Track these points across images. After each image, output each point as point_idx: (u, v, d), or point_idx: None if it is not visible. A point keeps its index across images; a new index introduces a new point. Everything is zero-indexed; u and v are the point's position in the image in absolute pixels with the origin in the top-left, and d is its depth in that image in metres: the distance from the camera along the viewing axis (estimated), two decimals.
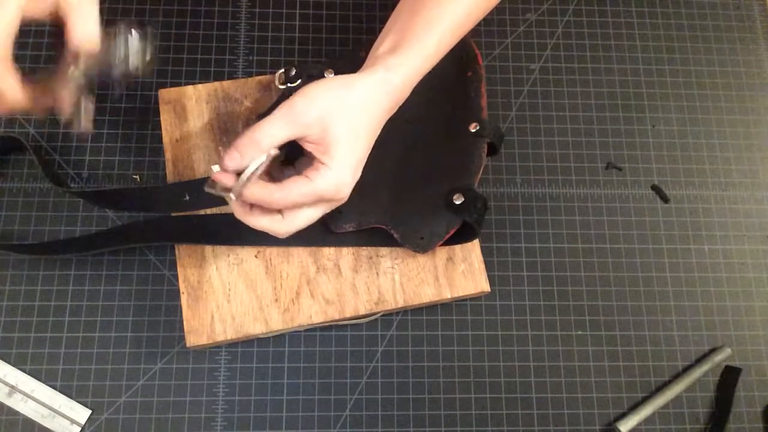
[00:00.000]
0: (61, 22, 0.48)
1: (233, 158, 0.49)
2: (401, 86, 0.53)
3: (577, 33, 0.75)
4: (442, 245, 0.60)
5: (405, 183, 0.62)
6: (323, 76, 0.60)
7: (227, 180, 0.49)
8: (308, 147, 0.51)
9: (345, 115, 0.50)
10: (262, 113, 0.62)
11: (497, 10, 0.75)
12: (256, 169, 0.49)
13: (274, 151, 0.50)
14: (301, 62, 0.71)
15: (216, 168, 0.50)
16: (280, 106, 0.50)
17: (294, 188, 0.50)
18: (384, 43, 0.55)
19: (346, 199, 0.53)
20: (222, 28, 0.72)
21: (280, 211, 0.52)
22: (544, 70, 0.73)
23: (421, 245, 0.60)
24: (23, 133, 0.66)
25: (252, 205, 0.52)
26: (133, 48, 0.50)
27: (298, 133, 0.50)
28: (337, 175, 0.50)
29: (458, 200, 0.59)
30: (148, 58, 0.51)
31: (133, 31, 0.50)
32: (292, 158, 0.54)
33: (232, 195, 0.49)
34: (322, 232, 0.62)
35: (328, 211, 0.54)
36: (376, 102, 0.52)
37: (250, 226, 0.53)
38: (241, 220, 0.52)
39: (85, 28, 0.47)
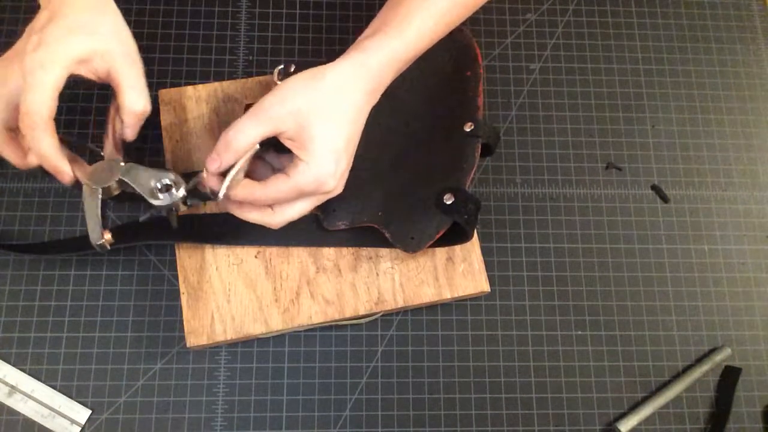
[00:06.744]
0: (107, 84, 0.53)
1: (213, 161, 0.50)
2: (377, 67, 0.52)
3: (577, 33, 0.75)
4: (433, 246, 0.59)
5: (398, 182, 0.62)
6: None
7: (212, 182, 0.51)
8: (287, 144, 0.51)
9: (319, 107, 0.50)
10: (248, 103, 0.61)
11: (497, 10, 0.75)
12: (237, 171, 0.50)
13: (254, 148, 0.51)
14: (301, 62, 0.71)
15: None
16: (252, 105, 0.51)
17: (274, 186, 0.51)
18: (365, 32, 0.55)
19: (335, 188, 0.53)
20: (222, 28, 0.72)
21: (270, 205, 0.53)
22: (544, 70, 0.73)
23: (412, 245, 0.59)
24: None
25: None
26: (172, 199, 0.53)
27: (270, 129, 0.50)
28: (316, 169, 0.50)
29: (449, 200, 0.57)
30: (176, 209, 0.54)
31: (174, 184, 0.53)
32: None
33: (219, 196, 0.50)
34: (322, 232, 0.62)
35: (320, 202, 0.54)
36: (351, 85, 0.52)
37: (250, 224, 0.54)
38: (234, 214, 0.54)
39: (139, 99, 0.53)
